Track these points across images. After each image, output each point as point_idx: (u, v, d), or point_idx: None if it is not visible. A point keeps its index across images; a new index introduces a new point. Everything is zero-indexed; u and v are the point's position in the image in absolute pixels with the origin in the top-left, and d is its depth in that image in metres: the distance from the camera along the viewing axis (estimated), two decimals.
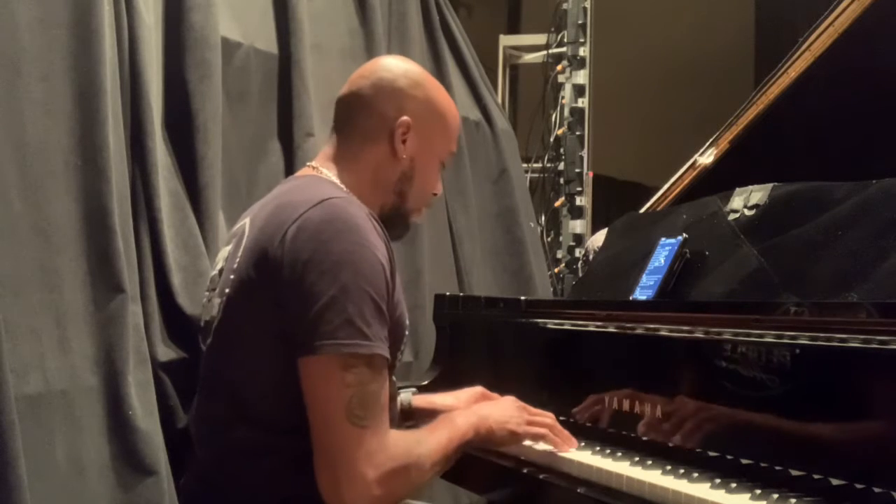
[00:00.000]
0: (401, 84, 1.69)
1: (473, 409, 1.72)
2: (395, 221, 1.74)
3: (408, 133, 1.68)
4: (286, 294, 1.47)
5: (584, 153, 4.63)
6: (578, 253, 4.46)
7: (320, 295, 1.44)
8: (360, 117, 1.69)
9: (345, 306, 1.44)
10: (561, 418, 1.82)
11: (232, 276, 1.58)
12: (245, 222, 1.67)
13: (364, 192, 1.66)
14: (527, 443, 1.73)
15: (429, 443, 1.54)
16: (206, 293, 1.73)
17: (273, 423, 1.53)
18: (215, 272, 1.70)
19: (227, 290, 1.59)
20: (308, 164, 1.76)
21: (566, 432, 1.71)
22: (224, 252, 1.70)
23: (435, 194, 1.80)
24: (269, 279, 1.50)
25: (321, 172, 1.70)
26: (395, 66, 1.73)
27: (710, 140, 2.29)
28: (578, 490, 1.57)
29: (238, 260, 1.58)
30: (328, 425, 1.44)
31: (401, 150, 1.68)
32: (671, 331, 1.63)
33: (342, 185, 1.66)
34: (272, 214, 1.57)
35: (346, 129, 1.72)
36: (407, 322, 1.64)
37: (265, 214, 1.60)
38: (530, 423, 1.70)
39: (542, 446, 1.72)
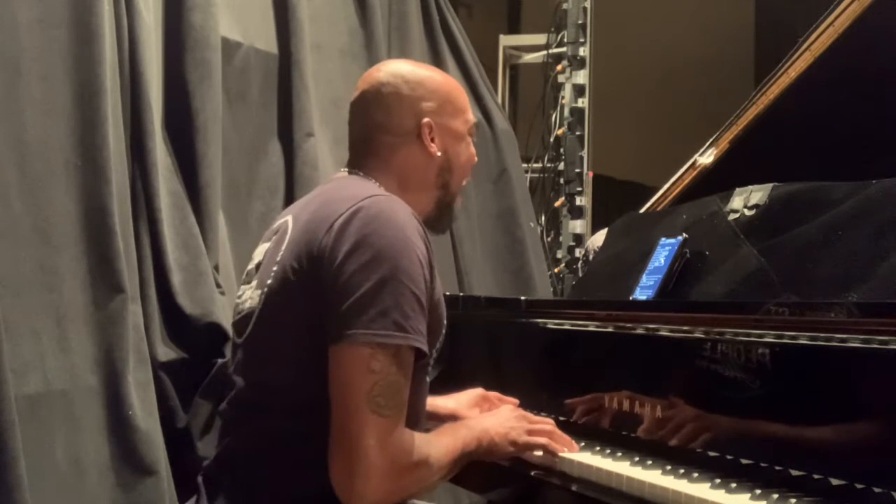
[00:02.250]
0: (405, 92, 1.72)
1: (476, 422, 1.73)
2: (443, 213, 1.78)
3: (433, 131, 1.72)
4: (326, 284, 1.50)
5: (584, 153, 4.62)
6: (578, 253, 4.46)
7: (358, 286, 1.47)
8: (382, 137, 1.72)
9: (382, 298, 1.47)
10: (561, 418, 1.82)
11: (275, 268, 1.60)
12: (287, 219, 1.69)
13: (408, 200, 1.68)
14: None
15: (437, 445, 1.56)
16: (242, 286, 1.74)
17: (304, 414, 1.54)
18: (251, 266, 1.73)
19: (268, 282, 1.61)
20: (344, 168, 1.77)
21: (566, 437, 1.72)
22: (262, 248, 1.72)
23: (473, 163, 1.83)
24: (313, 269, 1.53)
25: (360, 175, 1.72)
26: (391, 76, 1.74)
27: (710, 140, 2.29)
28: (578, 490, 1.57)
29: (282, 252, 1.61)
30: (348, 410, 1.45)
31: (434, 150, 1.72)
32: (671, 331, 1.63)
33: (383, 188, 1.68)
34: (318, 209, 1.60)
35: (368, 147, 1.74)
36: (445, 322, 1.66)
37: (311, 210, 1.63)
38: (531, 432, 1.71)
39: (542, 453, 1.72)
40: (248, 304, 1.66)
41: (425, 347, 1.52)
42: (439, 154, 1.73)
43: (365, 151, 1.74)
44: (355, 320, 1.46)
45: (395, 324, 1.46)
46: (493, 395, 1.95)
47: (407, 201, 1.65)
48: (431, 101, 1.73)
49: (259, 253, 1.72)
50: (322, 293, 1.51)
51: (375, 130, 1.72)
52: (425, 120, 1.71)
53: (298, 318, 1.55)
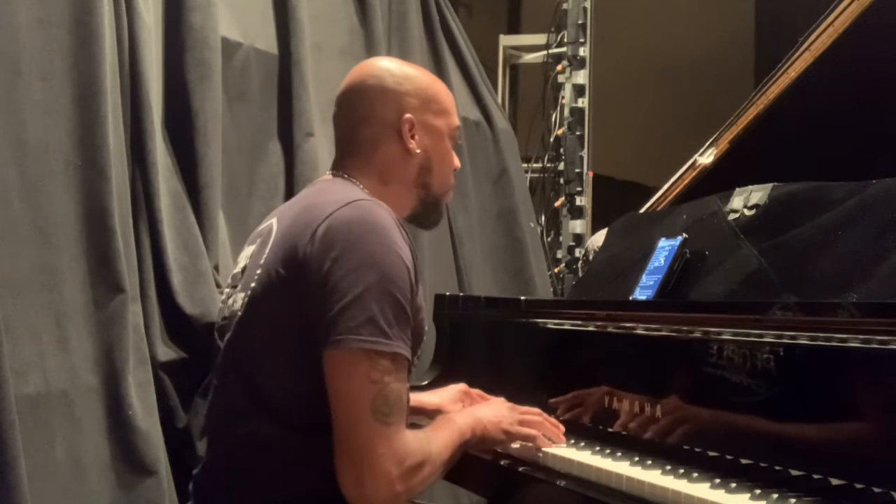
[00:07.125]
0: (390, 85, 1.72)
1: (469, 411, 1.76)
2: (428, 211, 1.79)
3: (414, 128, 1.71)
4: (312, 290, 1.51)
5: (584, 153, 4.63)
6: (578, 253, 4.46)
7: (345, 292, 1.47)
8: (364, 129, 1.72)
9: (369, 304, 1.47)
10: (561, 418, 1.82)
11: (258, 272, 1.61)
12: (272, 222, 1.70)
13: (390, 197, 1.68)
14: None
15: (437, 441, 1.58)
16: (227, 290, 1.75)
17: (289, 417, 1.55)
18: (238, 270, 1.73)
19: (252, 285, 1.61)
20: (328, 171, 1.78)
21: (554, 421, 1.76)
22: (248, 251, 1.73)
23: (455, 169, 1.83)
24: (297, 275, 1.53)
25: (344, 177, 1.72)
26: (377, 69, 1.75)
27: (710, 140, 2.30)
28: (578, 490, 1.57)
29: (265, 256, 1.61)
30: (353, 421, 1.47)
31: (413, 147, 1.72)
32: (671, 331, 1.63)
33: (366, 191, 1.68)
34: (301, 213, 1.60)
35: (351, 144, 1.74)
36: (426, 327, 1.68)
37: (293, 213, 1.63)
38: (521, 423, 1.75)
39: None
40: (232, 308, 1.67)
41: (409, 354, 1.53)
42: (419, 151, 1.72)
43: (349, 150, 1.74)
44: (343, 326, 1.46)
45: (381, 331, 1.47)
46: (475, 392, 1.99)
47: (389, 197, 1.67)
48: (415, 98, 1.73)
49: (244, 256, 1.73)
50: (307, 299, 1.51)
51: (358, 123, 1.72)
52: (406, 115, 1.71)
53: (282, 323, 1.55)
